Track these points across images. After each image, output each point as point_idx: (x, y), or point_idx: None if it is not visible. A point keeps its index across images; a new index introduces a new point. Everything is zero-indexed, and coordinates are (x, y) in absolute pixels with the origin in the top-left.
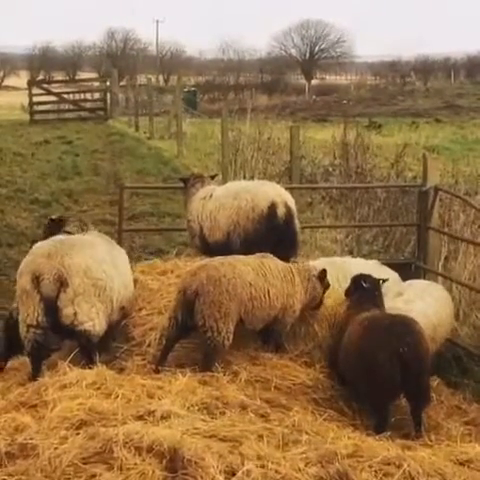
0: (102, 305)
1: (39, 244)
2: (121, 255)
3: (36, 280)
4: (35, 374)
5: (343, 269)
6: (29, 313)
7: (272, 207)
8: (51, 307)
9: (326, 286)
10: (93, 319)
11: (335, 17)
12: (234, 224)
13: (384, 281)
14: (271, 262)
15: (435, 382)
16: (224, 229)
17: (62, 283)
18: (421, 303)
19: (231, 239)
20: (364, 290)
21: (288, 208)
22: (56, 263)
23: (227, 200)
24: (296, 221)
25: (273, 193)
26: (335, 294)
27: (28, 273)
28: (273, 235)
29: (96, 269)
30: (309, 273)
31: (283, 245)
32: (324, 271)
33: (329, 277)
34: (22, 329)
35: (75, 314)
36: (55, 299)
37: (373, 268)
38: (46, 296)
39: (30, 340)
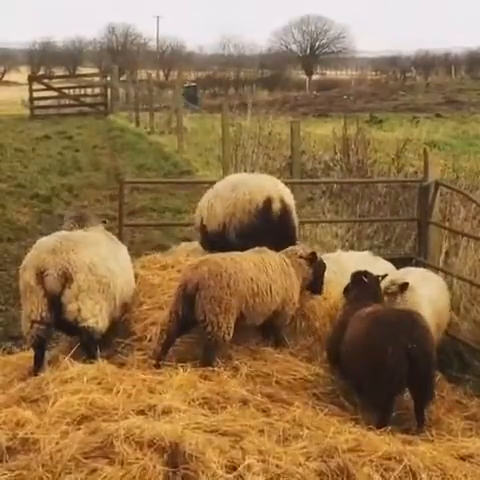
0: (106, 302)
1: (43, 239)
2: (123, 251)
3: (40, 275)
4: (36, 369)
5: (338, 263)
6: (33, 309)
7: (268, 201)
8: (55, 303)
9: (320, 267)
10: (96, 316)
11: (335, 12)
12: (230, 216)
13: (383, 277)
14: (269, 257)
15: (436, 377)
16: (220, 219)
17: (67, 279)
18: (426, 289)
19: (227, 230)
20: (364, 285)
21: (284, 203)
22: (61, 259)
23: (225, 191)
24: (293, 216)
25: (270, 187)
26: (334, 288)
27: (32, 268)
28: (268, 229)
29: (101, 266)
30: (297, 257)
31: (280, 240)
32: (313, 253)
33: (326, 272)
34: (25, 324)
35: (79, 310)
36: (59, 295)
37: (367, 259)
38: (50, 291)
39: (33, 336)
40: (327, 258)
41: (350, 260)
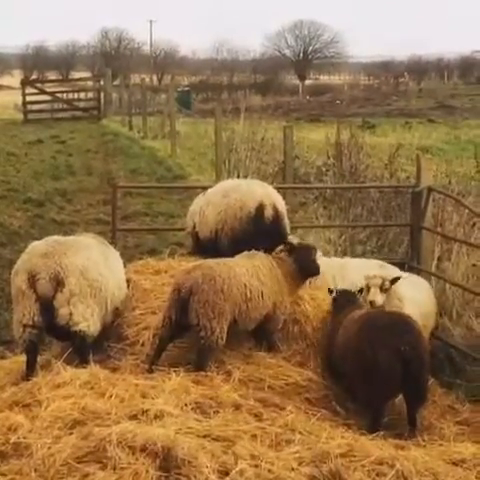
0: (97, 306)
1: (35, 243)
2: (115, 256)
3: (32, 279)
4: (29, 373)
5: (341, 268)
6: (25, 313)
7: (260, 208)
8: (47, 307)
9: (301, 251)
10: (88, 320)
11: (328, 17)
12: (222, 222)
13: (360, 291)
14: (259, 261)
15: (429, 382)
16: (212, 226)
17: (58, 283)
18: (416, 292)
19: (219, 237)
20: (337, 299)
21: (276, 210)
22: (53, 263)
23: (217, 197)
24: (284, 223)
25: (262, 194)
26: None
27: (24, 272)
28: (260, 236)
29: (92, 270)
30: (278, 254)
31: (272, 246)
32: (287, 243)
33: (326, 276)
34: (17, 329)
35: (70, 314)
36: (51, 299)
37: (372, 268)
38: (42, 296)
39: (25, 340)
40: (330, 263)
41: (354, 267)
